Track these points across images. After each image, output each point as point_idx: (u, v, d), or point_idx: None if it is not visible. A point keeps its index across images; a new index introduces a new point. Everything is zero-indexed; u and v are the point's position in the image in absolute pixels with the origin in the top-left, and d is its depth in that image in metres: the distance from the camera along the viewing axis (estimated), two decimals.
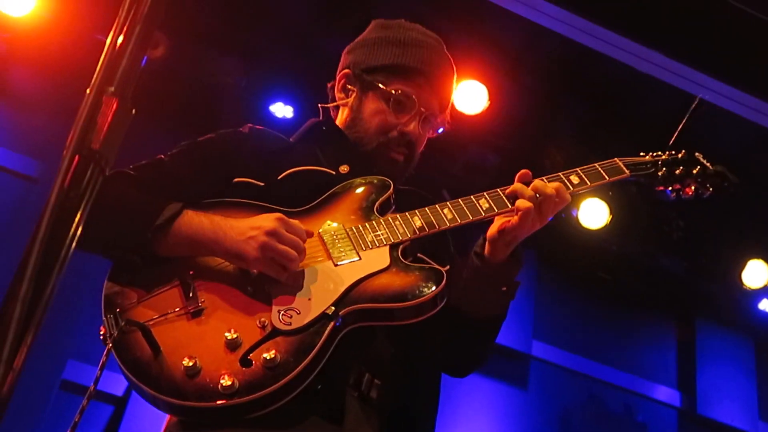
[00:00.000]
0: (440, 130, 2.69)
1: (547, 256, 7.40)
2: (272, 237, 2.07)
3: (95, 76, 1.07)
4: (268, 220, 2.11)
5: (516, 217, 2.25)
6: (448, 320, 2.31)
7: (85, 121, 1.05)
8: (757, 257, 6.94)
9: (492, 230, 2.32)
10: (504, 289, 2.37)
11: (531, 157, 6.76)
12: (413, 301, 2.11)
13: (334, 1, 5.92)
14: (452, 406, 6.72)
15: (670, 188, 2.55)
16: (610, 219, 6.74)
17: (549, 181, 2.37)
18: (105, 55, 1.08)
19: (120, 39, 1.08)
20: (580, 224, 6.80)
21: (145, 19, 1.09)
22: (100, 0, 5.53)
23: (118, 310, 2.09)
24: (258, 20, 6.02)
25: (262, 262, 2.08)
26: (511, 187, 2.34)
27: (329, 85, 2.72)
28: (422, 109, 2.56)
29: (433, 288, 2.12)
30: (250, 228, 2.10)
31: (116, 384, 5.36)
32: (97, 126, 1.04)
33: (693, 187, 2.55)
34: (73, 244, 1.02)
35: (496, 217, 2.33)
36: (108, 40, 1.09)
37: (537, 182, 2.31)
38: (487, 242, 2.33)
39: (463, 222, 2.32)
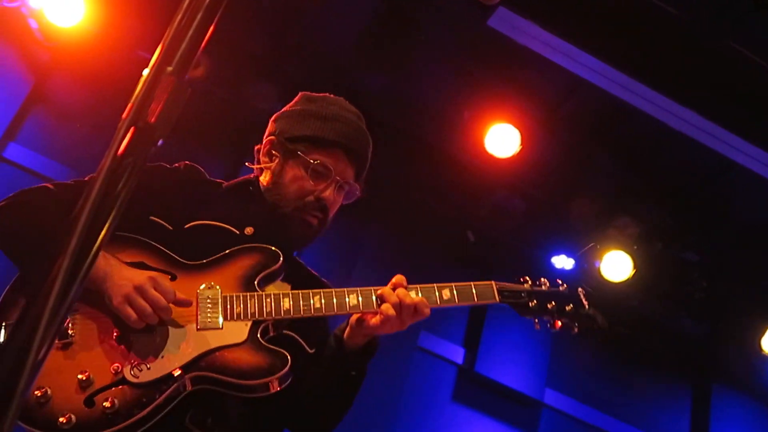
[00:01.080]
0: (353, 198, 2.88)
1: None
2: (137, 291, 2.29)
3: (156, 55, 1.14)
4: (141, 276, 2.33)
5: (377, 318, 2.48)
6: (301, 389, 2.50)
7: (143, 96, 1.11)
8: None
9: (354, 319, 2.54)
10: (353, 374, 2.57)
11: (559, 205, 6.77)
12: (253, 381, 2.32)
13: (377, 39, 5.99)
14: None
15: (537, 319, 2.69)
16: (633, 273, 6.72)
17: (422, 292, 2.57)
18: (166, 37, 1.15)
19: (182, 24, 1.15)
20: (602, 276, 6.78)
21: (207, 8, 1.17)
22: (146, 17, 5.63)
23: (3, 323, 2.29)
24: (300, 50, 6.10)
25: (121, 310, 2.29)
26: (381, 290, 2.53)
27: (256, 148, 2.91)
28: (338, 177, 2.74)
29: (274, 373, 2.33)
30: (126, 278, 2.31)
31: None
32: (154, 102, 1.10)
33: (561, 322, 2.68)
34: (121, 209, 1.09)
35: None
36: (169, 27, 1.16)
37: (402, 292, 2.51)
38: (348, 327, 2.55)
39: (327, 313, 2.51)
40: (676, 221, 6.85)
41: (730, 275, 7.03)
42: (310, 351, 2.61)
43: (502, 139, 6.17)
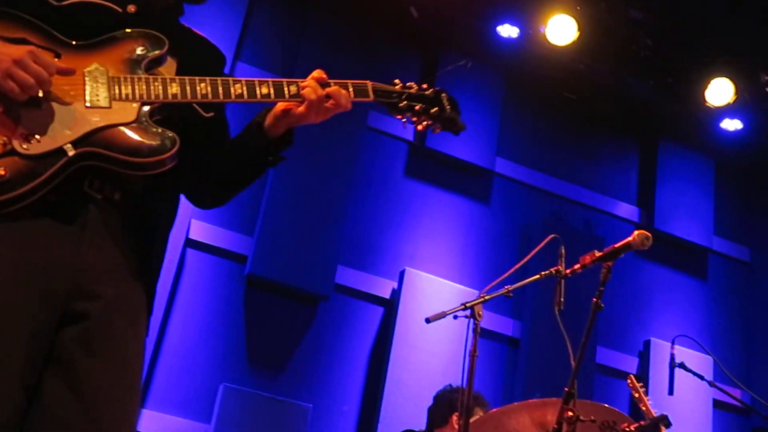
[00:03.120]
0: None
1: (514, 73, 7.38)
2: (17, 65, 2.32)
3: None
4: (20, 50, 2.36)
5: (303, 107, 2.62)
6: (204, 161, 2.69)
7: None
8: (722, 75, 6.98)
9: (278, 108, 2.65)
10: (270, 159, 2.72)
11: None
12: (143, 159, 2.40)
13: None
14: (415, 218, 6.87)
15: (405, 118, 2.90)
16: (577, 36, 6.68)
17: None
18: None
19: None
20: (547, 40, 6.73)
21: None
22: None
23: None
24: None
25: (3, 85, 2.33)
26: (303, 82, 2.66)
27: None
28: None
29: (163, 153, 2.41)
30: (4, 53, 2.35)
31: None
32: None
33: (425, 123, 2.90)
34: None
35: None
36: None
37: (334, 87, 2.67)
38: (272, 116, 2.67)
39: (213, 100, 2.58)
40: None
41: (675, 31, 7.02)
42: (206, 115, 2.72)
43: None
